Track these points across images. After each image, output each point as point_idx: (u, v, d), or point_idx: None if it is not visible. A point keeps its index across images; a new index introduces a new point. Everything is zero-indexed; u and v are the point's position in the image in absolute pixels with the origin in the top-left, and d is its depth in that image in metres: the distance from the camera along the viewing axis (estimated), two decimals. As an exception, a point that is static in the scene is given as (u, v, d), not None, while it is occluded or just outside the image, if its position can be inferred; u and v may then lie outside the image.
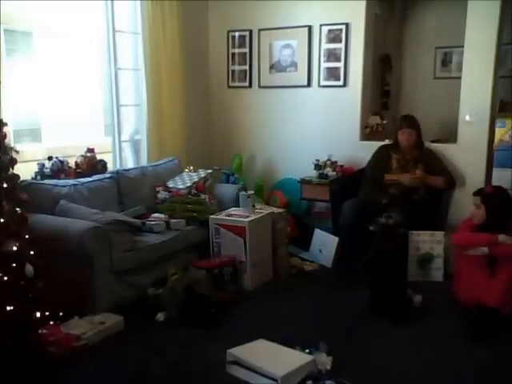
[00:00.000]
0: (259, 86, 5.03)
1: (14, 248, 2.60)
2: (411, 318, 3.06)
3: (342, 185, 4.19)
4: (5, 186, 2.65)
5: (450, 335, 2.92)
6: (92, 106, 7.89)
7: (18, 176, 2.79)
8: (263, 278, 3.72)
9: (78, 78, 7.59)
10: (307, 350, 2.64)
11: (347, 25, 4.49)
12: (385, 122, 4.69)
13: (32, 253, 2.70)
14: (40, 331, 2.67)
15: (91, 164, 3.88)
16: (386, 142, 4.26)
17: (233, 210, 3.91)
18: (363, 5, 4.43)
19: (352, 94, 4.58)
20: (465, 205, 3.71)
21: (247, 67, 5.04)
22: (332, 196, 4.16)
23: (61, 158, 3.76)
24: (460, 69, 4.23)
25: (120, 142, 4.41)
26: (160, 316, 3.09)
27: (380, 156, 4.11)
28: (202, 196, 3.99)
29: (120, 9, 4.23)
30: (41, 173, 3.62)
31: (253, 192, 3.99)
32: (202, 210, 3.87)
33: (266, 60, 4.93)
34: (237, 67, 5.10)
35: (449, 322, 3.08)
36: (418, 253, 3.77)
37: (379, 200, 3.66)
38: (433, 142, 4.45)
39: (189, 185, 4.09)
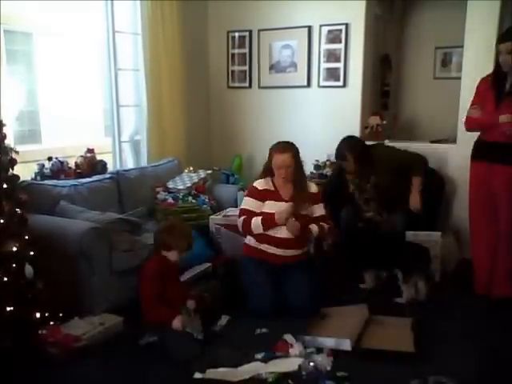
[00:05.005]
0: (259, 87, 5.03)
1: (14, 248, 2.60)
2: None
3: (336, 186, 4.05)
4: (5, 186, 2.65)
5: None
6: (92, 107, 7.90)
7: (17, 176, 2.80)
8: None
9: (78, 78, 7.60)
10: (309, 350, 2.65)
11: (347, 25, 4.49)
12: (385, 122, 4.68)
13: (32, 253, 2.71)
14: (40, 332, 2.67)
15: (91, 164, 3.89)
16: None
17: (230, 211, 3.91)
18: (363, 5, 4.44)
19: (352, 95, 4.59)
20: (464, 205, 3.71)
21: (247, 67, 5.05)
22: (326, 198, 4.06)
23: (61, 159, 3.77)
24: (460, 69, 4.23)
25: (120, 142, 4.41)
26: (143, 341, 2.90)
27: (335, 180, 4.05)
28: (194, 201, 3.96)
29: (120, 9, 4.23)
30: (41, 173, 3.62)
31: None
32: (198, 216, 3.86)
33: (266, 60, 4.93)
34: (236, 67, 5.11)
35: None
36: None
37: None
38: (432, 142, 4.46)
39: (188, 185, 4.09)
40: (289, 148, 3.25)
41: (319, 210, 3.36)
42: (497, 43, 3.28)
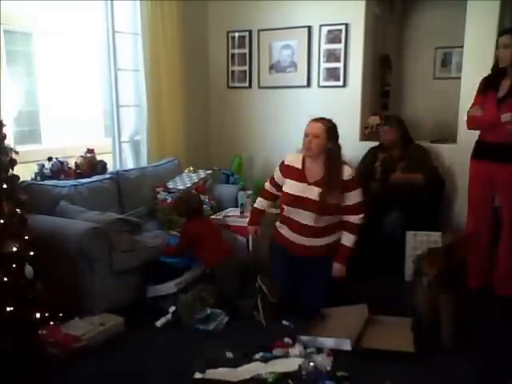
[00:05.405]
0: (259, 87, 5.03)
1: (14, 249, 2.60)
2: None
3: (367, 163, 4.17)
4: (5, 186, 2.65)
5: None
6: (92, 107, 7.90)
7: (17, 177, 2.80)
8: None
9: (78, 78, 7.60)
10: (309, 350, 2.65)
11: (347, 25, 4.49)
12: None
13: (32, 253, 2.71)
14: (40, 332, 2.67)
15: (91, 165, 3.89)
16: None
17: (231, 211, 3.91)
18: (363, 5, 4.44)
19: (352, 95, 4.59)
20: (464, 205, 3.71)
21: (247, 68, 5.05)
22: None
23: (61, 159, 3.77)
24: (460, 69, 4.23)
25: (120, 142, 4.41)
26: (160, 322, 3.04)
27: (366, 159, 4.18)
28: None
29: (120, 9, 4.23)
30: (41, 173, 3.62)
31: (251, 192, 4.00)
32: None
33: (266, 60, 4.93)
34: (236, 68, 5.10)
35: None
36: (415, 253, 3.77)
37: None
38: (432, 142, 4.46)
39: (188, 185, 4.09)
40: (323, 120, 3.08)
41: (354, 197, 3.06)
42: (497, 38, 3.31)
